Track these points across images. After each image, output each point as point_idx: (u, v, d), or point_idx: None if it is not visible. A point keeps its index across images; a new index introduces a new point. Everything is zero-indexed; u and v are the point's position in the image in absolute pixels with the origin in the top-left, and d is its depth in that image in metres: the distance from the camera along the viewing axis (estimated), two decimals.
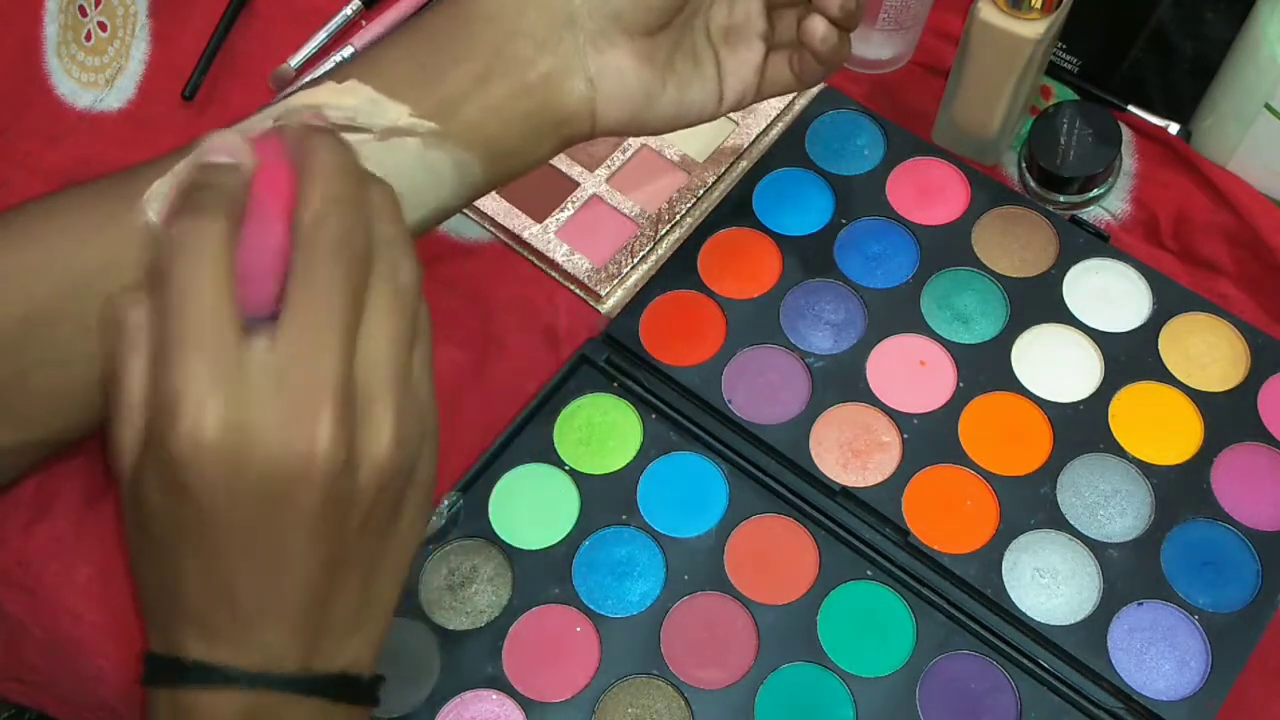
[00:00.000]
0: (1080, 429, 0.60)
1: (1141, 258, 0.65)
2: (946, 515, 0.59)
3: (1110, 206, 0.68)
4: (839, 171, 0.68)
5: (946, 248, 0.65)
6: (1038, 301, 0.63)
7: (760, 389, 0.62)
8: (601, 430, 0.62)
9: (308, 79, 0.62)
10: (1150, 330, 0.62)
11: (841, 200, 0.67)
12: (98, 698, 0.58)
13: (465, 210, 0.68)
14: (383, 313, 0.36)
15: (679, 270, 0.65)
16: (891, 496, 0.59)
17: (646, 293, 0.64)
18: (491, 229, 0.68)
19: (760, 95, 0.55)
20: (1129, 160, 0.69)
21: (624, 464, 0.61)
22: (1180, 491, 0.58)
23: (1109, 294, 0.64)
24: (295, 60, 0.72)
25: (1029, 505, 0.58)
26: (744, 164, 0.69)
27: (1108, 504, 0.59)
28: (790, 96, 0.71)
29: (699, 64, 0.53)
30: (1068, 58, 0.71)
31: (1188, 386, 0.61)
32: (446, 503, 0.59)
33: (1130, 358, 0.62)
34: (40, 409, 0.47)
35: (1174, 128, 0.70)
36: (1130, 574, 0.57)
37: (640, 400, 0.62)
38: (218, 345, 0.33)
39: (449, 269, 0.67)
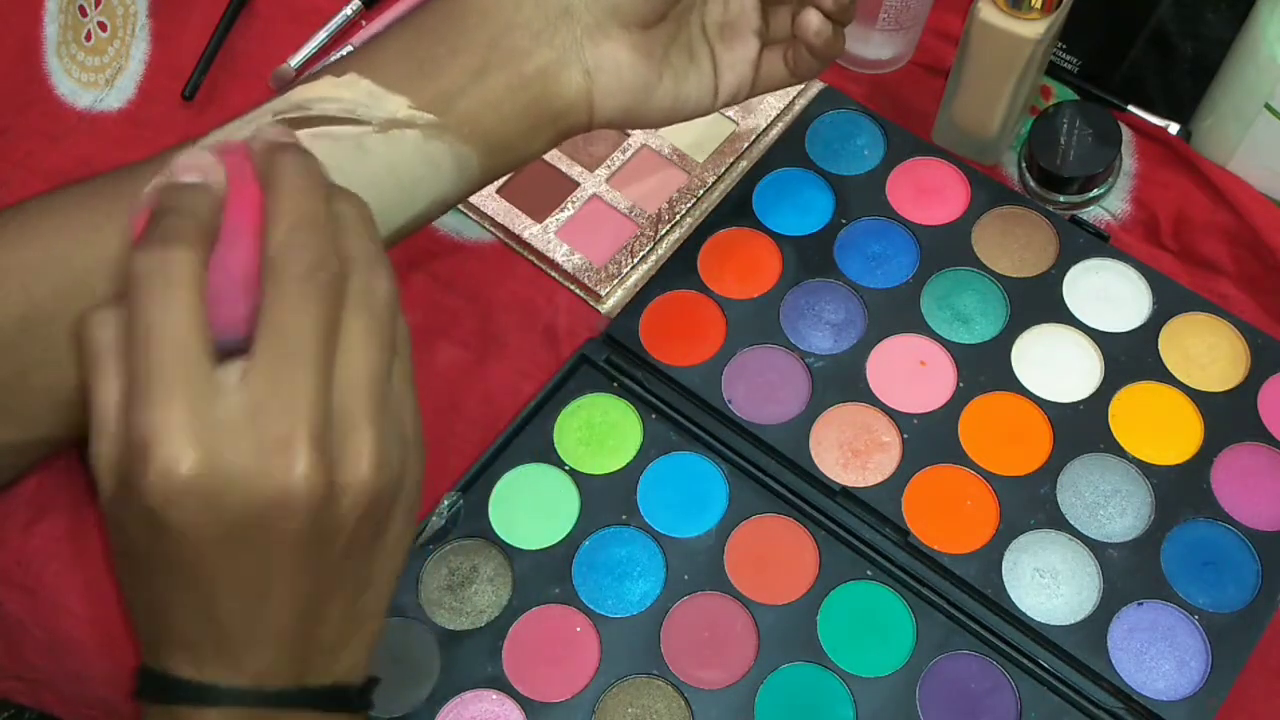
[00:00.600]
0: (1080, 429, 0.60)
1: (1141, 258, 0.65)
2: (946, 515, 0.59)
3: (1110, 206, 0.68)
4: (839, 171, 0.68)
5: (946, 248, 0.65)
6: (1038, 301, 0.63)
7: (760, 389, 0.62)
8: (601, 430, 0.62)
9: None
10: (1150, 330, 0.62)
11: (841, 200, 0.67)
12: (98, 697, 0.58)
13: (465, 210, 0.68)
14: (358, 335, 0.35)
15: (679, 270, 0.65)
16: (891, 496, 0.59)
17: (646, 293, 0.64)
18: (491, 229, 0.68)
19: (755, 90, 0.55)
20: (1129, 160, 0.69)
21: (624, 464, 0.61)
22: (1180, 491, 0.58)
23: (1109, 294, 0.64)
24: (295, 60, 0.72)
25: (1029, 505, 0.58)
26: (744, 164, 0.69)
27: (1108, 504, 0.59)
28: (790, 96, 0.71)
29: (695, 58, 0.53)
30: (1068, 58, 0.71)
31: (1188, 386, 0.61)
32: (446, 503, 0.59)
33: (1130, 358, 0.62)
34: (40, 408, 0.47)
35: (1174, 128, 0.70)
36: (1130, 574, 0.57)
37: (640, 400, 0.62)
38: (188, 383, 0.33)
39: (449, 269, 0.67)
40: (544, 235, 0.67)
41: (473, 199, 0.68)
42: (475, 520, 0.59)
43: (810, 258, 0.65)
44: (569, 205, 0.68)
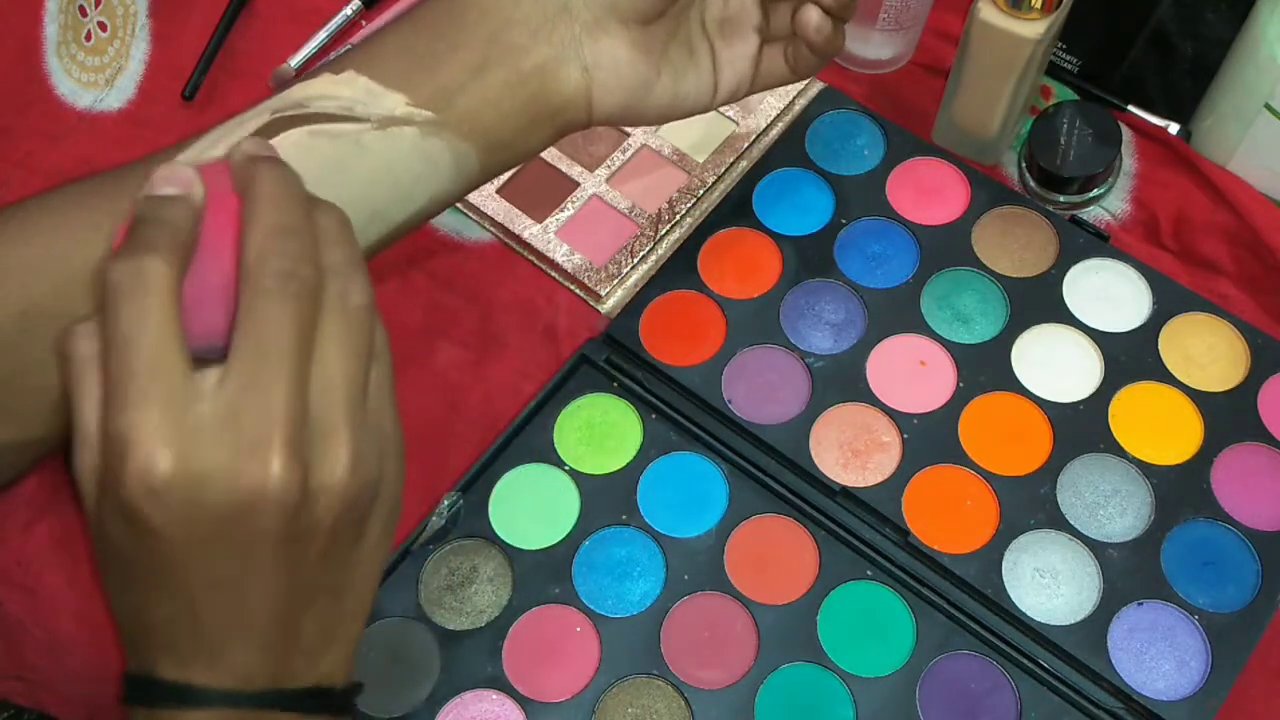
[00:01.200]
0: (1080, 429, 0.60)
1: (1141, 258, 0.65)
2: (946, 515, 0.59)
3: (1110, 206, 0.68)
4: (839, 171, 0.68)
5: (946, 248, 0.65)
6: (1038, 301, 0.63)
7: (760, 389, 0.62)
8: (601, 430, 0.62)
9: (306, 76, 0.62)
10: (1150, 330, 0.62)
11: (841, 200, 0.67)
12: (98, 697, 0.58)
13: (465, 210, 0.68)
14: (334, 341, 0.35)
15: (679, 270, 0.65)
16: (891, 496, 0.59)
17: (646, 293, 0.64)
18: (491, 229, 0.68)
19: (755, 87, 0.55)
20: (1129, 160, 0.69)
21: (624, 464, 0.61)
22: (1180, 491, 0.58)
23: (1109, 294, 0.64)
24: (295, 60, 0.72)
25: (1029, 505, 0.58)
26: (744, 164, 0.69)
27: (1108, 504, 0.59)
28: (790, 96, 0.71)
29: (694, 54, 0.53)
30: (1068, 58, 0.71)
31: (1188, 386, 0.61)
32: (446, 503, 0.59)
33: (1130, 358, 0.62)
34: (40, 407, 0.47)
35: (1174, 128, 0.70)
36: (1130, 574, 0.57)
37: (640, 400, 0.62)
38: (164, 387, 0.33)
39: (449, 269, 0.67)
40: (544, 235, 0.67)
41: (473, 199, 0.68)
42: (475, 520, 0.59)
43: (810, 258, 0.65)
44: (569, 205, 0.68)
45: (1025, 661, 0.56)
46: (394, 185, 0.48)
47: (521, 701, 0.55)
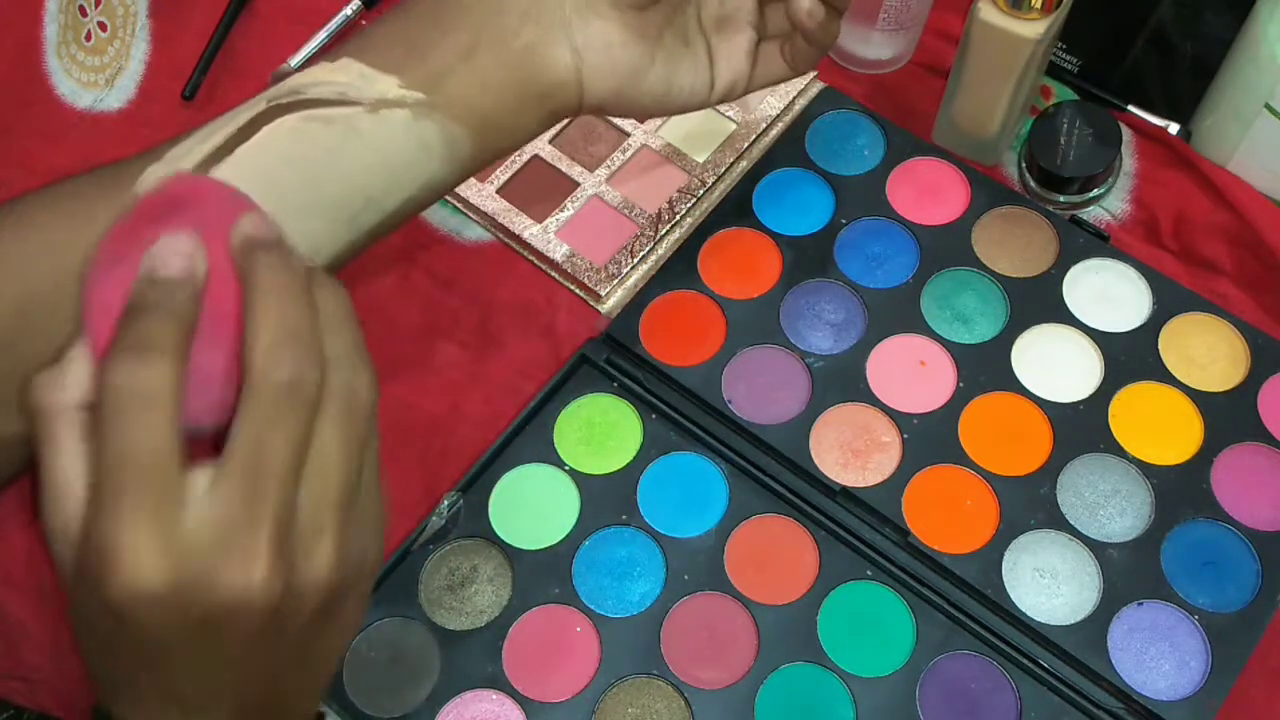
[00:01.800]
0: (1080, 429, 0.60)
1: (1141, 258, 0.65)
2: (946, 515, 0.59)
3: (1110, 206, 0.68)
4: (839, 171, 0.68)
5: (946, 248, 0.65)
6: (1038, 301, 0.63)
7: (760, 389, 0.62)
8: (601, 430, 0.62)
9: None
10: (1150, 330, 0.62)
11: (841, 200, 0.67)
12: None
13: (465, 210, 0.68)
14: (332, 444, 0.35)
15: (679, 270, 0.65)
16: (891, 496, 0.59)
17: (646, 293, 0.64)
18: (491, 229, 0.68)
19: (752, 85, 0.55)
20: (1129, 160, 0.69)
21: (624, 464, 0.61)
22: (1180, 491, 0.58)
23: (1109, 294, 0.64)
24: (295, 60, 0.72)
25: (1029, 505, 0.58)
26: (744, 164, 0.69)
27: (1108, 504, 0.59)
28: (790, 96, 0.71)
29: (690, 45, 0.53)
30: (1068, 58, 0.71)
31: (1188, 386, 0.61)
32: (446, 503, 0.59)
33: (1130, 358, 0.62)
34: None
35: (1174, 128, 0.70)
36: (1130, 574, 0.57)
37: (640, 400, 0.62)
38: (156, 499, 0.32)
39: (449, 268, 0.67)
40: (544, 235, 0.67)
41: (473, 199, 0.68)
42: (475, 520, 0.59)
43: (810, 258, 0.65)
44: (569, 205, 0.68)
45: (1025, 661, 0.56)
46: (387, 170, 0.49)
47: (521, 701, 0.55)
